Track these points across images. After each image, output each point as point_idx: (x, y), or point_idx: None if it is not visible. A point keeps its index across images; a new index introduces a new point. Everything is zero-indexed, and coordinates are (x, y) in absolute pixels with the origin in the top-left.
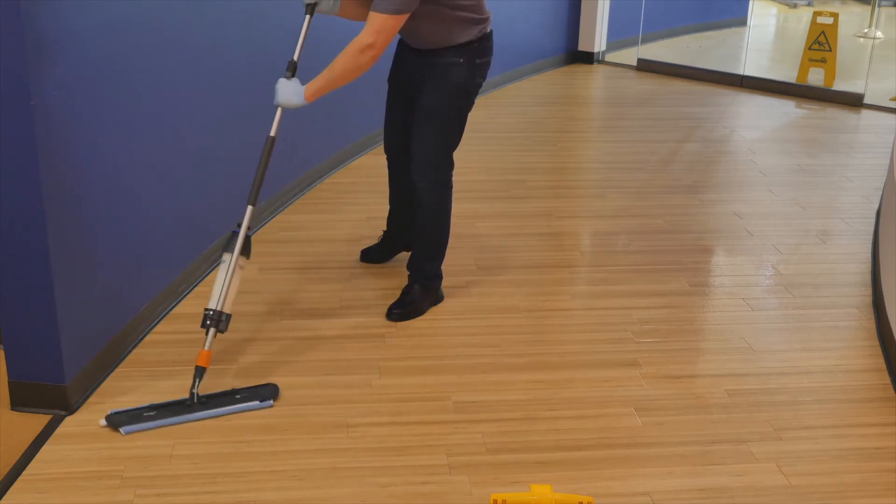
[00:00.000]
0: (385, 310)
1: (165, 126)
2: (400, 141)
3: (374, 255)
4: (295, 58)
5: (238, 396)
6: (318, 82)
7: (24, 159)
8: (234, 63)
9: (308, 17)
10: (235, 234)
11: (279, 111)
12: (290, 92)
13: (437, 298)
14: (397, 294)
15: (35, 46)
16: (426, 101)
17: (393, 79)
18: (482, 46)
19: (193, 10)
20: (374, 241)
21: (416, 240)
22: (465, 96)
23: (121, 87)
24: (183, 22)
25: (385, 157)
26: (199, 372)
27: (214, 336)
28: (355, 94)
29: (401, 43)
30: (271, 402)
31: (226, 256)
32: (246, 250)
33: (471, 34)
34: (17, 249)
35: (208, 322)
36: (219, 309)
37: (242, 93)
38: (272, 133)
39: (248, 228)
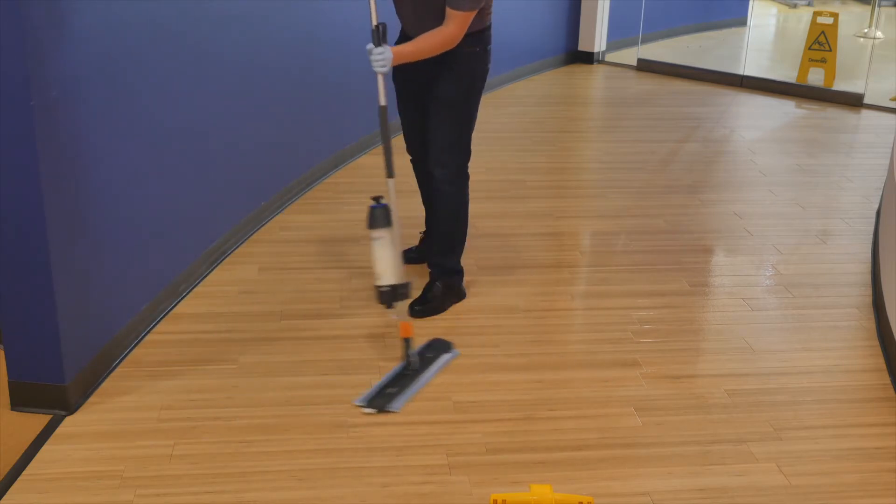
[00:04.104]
0: (384, 309)
1: (165, 125)
2: (422, 138)
3: (410, 257)
4: (375, 22)
5: (430, 356)
6: (404, 52)
7: (24, 159)
8: (234, 62)
9: None
10: (374, 208)
11: (380, 79)
12: (387, 59)
13: (459, 296)
14: None
15: (35, 46)
16: (445, 91)
17: (401, 78)
18: (489, 34)
19: (194, 10)
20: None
21: (434, 233)
22: (480, 83)
23: (121, 87)
24: (183, 21)
25: (409, 159)
26: (409, 343)
27: (399, 305)
28: (355, 95)
29: (403, 39)
30: (458, 350)
31: (375, 233)
32: (389, 222)
33: (484, 23)
34: (17, 249)
35: (390, 298)
36: (391, 283)
37: (243, 92)
38: (382, 102)
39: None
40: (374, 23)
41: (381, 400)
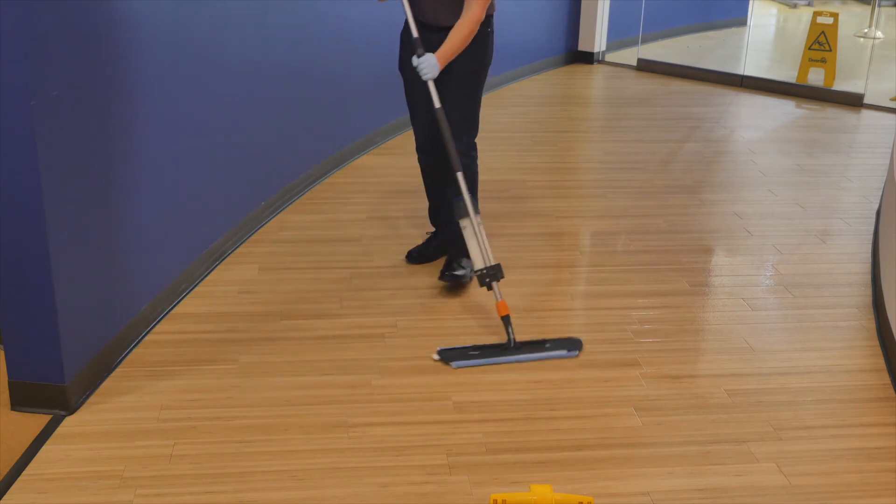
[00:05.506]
0: (384, 309)
1: (166, 125)
2: (432, 125)
3: (413, 256)
4: (415, 35)
5: (547, 345)
6: (445, 52)
7: (24, 159)
8: (236, 62)
9: None
10: (456, 200)
11: (431, 84)
12: (432, 65)
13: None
14: (397, 294)
15: (35, 46)
16: (461, 69)
17: (408, 64)
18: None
19: (194, 10)
20: (374, 240)
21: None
22: (488, 63)
23: (121, 86)
24: (184, 21)
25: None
26: (507, 320)
27: (498, 286)
28: (356, 95)
29: (418, 25)
30: (577, 352)
31: (464, 222)
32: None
33: (495, 7)
34: (17, 249)
35: (487, 279)
36: (488, 265)
37: (244, 91)
38: (437, 105)
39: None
40: (415, 35)
41: (453, 353)
